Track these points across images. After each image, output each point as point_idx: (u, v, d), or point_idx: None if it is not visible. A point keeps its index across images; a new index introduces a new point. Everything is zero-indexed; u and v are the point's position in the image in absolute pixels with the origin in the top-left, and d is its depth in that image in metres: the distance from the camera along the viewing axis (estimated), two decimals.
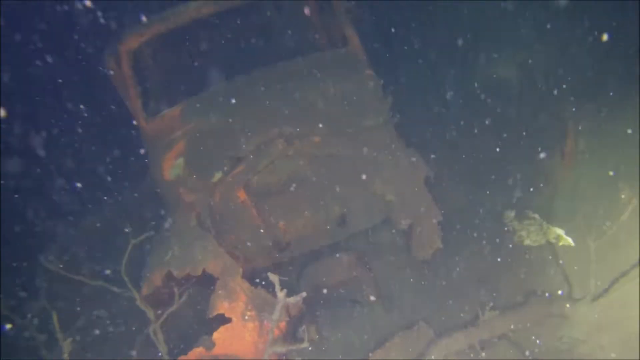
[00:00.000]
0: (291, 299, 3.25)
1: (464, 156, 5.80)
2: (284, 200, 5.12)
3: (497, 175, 5.61)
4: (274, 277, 3.24)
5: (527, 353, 4.01)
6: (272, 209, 5.11)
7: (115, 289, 4.27)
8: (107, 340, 4.93)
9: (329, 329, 4.88)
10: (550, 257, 4.76)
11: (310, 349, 3.59)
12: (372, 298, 5.08)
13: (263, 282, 4.85)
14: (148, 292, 4.47)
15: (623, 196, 4.00)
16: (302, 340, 3.56)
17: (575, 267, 4.56)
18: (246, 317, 4.03)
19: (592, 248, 4.13)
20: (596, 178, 4.92)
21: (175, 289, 4.05)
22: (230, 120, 5.10)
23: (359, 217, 5.13)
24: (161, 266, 4.53)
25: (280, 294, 3.26)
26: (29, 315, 4.42)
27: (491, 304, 4.25)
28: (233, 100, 5.23)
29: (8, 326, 3.63)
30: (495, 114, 5.98)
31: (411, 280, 5.02)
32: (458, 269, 4.88)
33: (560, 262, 4.69)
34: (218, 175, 5.02)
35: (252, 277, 4.96)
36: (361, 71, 5.48)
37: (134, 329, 4.84)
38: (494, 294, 4.54)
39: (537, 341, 4.09)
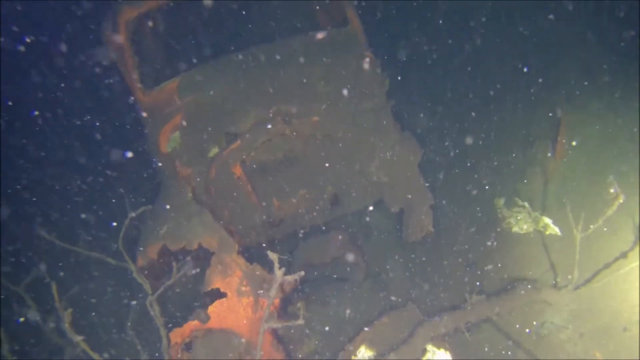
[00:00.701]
0: (289, 277, 3.34)
1: (455, 142, 5.87)
2: (279, 178, 5.17)
3: (489, 161, 5.70)
4: (272, 255, 3.32)
5: (509, 336, 4.16)
6: (267, 185, 5.16)
7: (112, 261, 4.30)
8: (100, 311, 4.99)
9: (318, 306, 4.99)
10: (537, 245, 4.88)
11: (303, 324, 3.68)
12: (362, 277, 5.20)
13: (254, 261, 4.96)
14: (143, 264, 4.52)
15: (612, 191, 4.12)
16: (295, 317, 3.65)
17: (561, 256, 4.70)
18: (241, 292, 4.11)
19: (578, 239, 4.25)
20: (586, 170, 5.04)
21: (174, 263, 4.10)
22: (229, 95, 5.11)
23: (352, 198, 5.21)
24: (157, 239, 4.58)
25: (279, 272, 3.34)
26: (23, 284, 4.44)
27: (478, 287, 4.39)
28: (232, 76, 5.23)
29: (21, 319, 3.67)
30: (489, 101, 6.05)
31: (401, 261, 5.13)
32: (447, 253, 4.99)
33: (547, 250, 4.81)
34: (214, 150, 5.05)
35: (245, 253, 5.05)
36: (360, 52, 5.49)
37: (126, 301, 4.91)
38: (482, 279, 4.67)
39: (518, 326, 4.24)
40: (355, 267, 5.24)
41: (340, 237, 5.30)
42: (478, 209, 5.32)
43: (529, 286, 4.42)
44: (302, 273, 3.29)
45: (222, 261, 4.23)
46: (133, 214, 4.26)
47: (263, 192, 5.15)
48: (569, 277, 4.39)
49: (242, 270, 4.17)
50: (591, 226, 4.26)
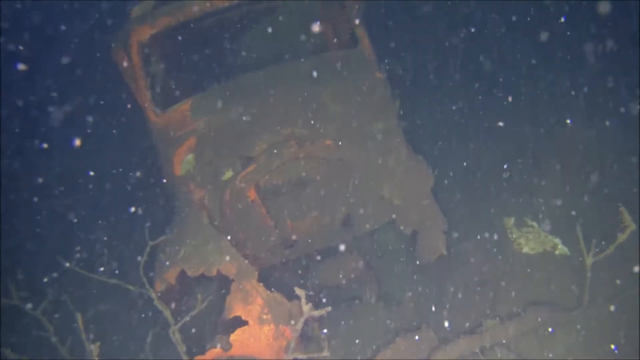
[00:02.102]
0: (316, 313, 3.40)
1: (464, 163, 5.96)
2: (292, 200, 5.23)
3: (498, 182, 5.79)
4: (300, 292, 3.38)
5: None
6: (281, 208, 5.22)
7: (131, 287, 4.35)
8: (118, 333, 5.03)
9: (331, 327, 5.05)
10: (548, 265, 4.97)
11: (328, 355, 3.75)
12: (374, 298, 5.28)
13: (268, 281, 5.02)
14: (161, 289, 4.57)
15: (624, 220, 4.21)
16: (321, 347, 3.72)
17: (572, 278, 4.79)
18: (262, 320, 4.17)
19: (589, 264, 4.34)
20: (597, 196, 5.14)
21: (199, 296, 4.15)
22: (242, 118, 5.15)
23: (364, 219, 5.28)
24: (175, 264, 4.63)
25: (306, 308, 3.40)
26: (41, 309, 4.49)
27: (492, 311, 4.47)
28: (244, 98, 5.27)
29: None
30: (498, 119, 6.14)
31: (413, 283, 5.20)
32: (459, 274, 5.07)
33: (557, 271, 4.90)
34: (229, 174, 5.10)
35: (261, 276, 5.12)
36: (371, 73, 5.55)
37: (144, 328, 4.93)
38: (495, 301, 4.75)
39: (534, 350, 4.33)
40: (367, 288, 5.31)
41: (353, 258, 5.36)
42: (489, 230, 5.40)
43: (541, 309, 4.50)
44: (329, 309, 3.35)
45: (242, 288, 4.28)
46: (152, 243, 4.28)
47: (276, 214, 5.20)
48: (579, 301, 4.49)
49: (263, 298, 4.23)
50: (603, 250, 4.34)
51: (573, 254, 5.03)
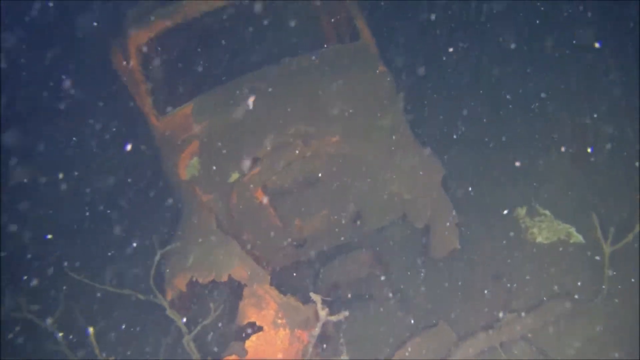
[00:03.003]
0: (332, 318, 3.33)
1: (474, 151, 5.87)
2: (300, 199, 5.14)
3: (510, 170, 5.70)
4: (316, 297, 3.31)
5: (545, 353, 4.17)
6: (289, 207, 5.13)
7: (142, 297, 4.28)
8: (129, 345, 4.97)
9: (347, 326, 4.99)
10: (564, 255, 4.89)
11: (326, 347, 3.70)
12: (389, 295, 5.20)
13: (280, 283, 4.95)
14: (172, 297, 4.50)
15: None
16: (339, 351, 3.65)
17: (589, 266, 4.71)
18: (277, 325, 4.10)
19: (607, 254, 4.26)
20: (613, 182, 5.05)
21: (212, 305, 4.08)
22: (245, 118, 5.07)
23: (375, 216, 5.19)
24: (184, 271, 4.55)
25: (322, 313, 3.33)
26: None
27: (509, 304, 4.40)
28: (247, 97, 5.19)
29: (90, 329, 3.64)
30: (508, 109, 6.05)
31: (427, 278, 5.13)
32: (474, 267, 4.99)
33: (574, 260, 4.82)
34: (235, 176, 5.02)
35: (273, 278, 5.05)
36: (374, 67, 5.45)
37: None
38: (511, 294, 4.68)
39: (553, 341, 4.26)
40: (381, 285, 5.24)
41: (365, 255, 5.29)
42: (502, 220, 5.32)
43: (559, 300, 4.42)
44: (347, 313, 3.28)
45: (255, 293, 4.21)
46: (161, 251, 4.21)
47: (285, 213, 5.12)
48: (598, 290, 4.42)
49: (277, 302, 4.16)
50: (622, 239, 4.25)
51: (588, 242, 4.95)
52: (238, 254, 4.47)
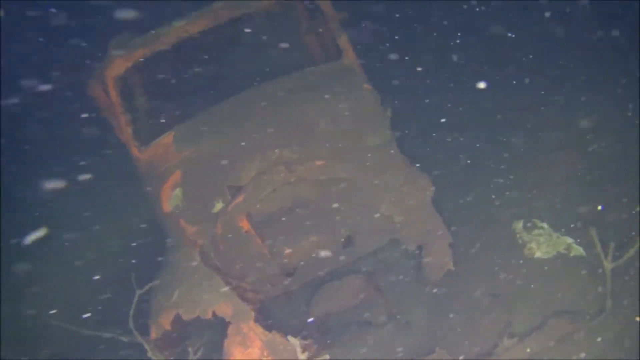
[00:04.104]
0: None
1: (464, 164, 5.69)
2: (288, 226, 4.99)
3: (502, 182, 5.52)
4: (293, 340, 3.14)
5: None
6: (277, 235, 4.98)
7: (124, 339, 4.12)
8: None
9: (342, 354, 4.80)
10: (564, 270, 4.69)
11: None
12: (384, 319, 5.01)
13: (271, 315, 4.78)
14: (157, 336, 4.35)
15: None
16: None
17: (590, 281, 4.51)
18: None
19: (609, 270, 4.06)
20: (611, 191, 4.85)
21: (190, 349, 3.92)
22: (226, 145, 4.94)
23: (366, 239, 5.03)
24: (169, 308, 4.41)
25: (302, 357, 3.16)
26: None
27: (508, 329, 4.20)
28: (228, 123, 5.07)
29: None
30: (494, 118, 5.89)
31: (423, 301, 4.94)
32: (472, 288, 4.79)
33: (574, 275, 4.62)
34: (219, 206, 4.88)
35: (262, 309, 4.88)
36: (359, 85, 5.32)
37: None
38: (510, 314, 4.48)
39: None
40: (376, 310, 5.05)
41: (357, 280, 5.11)
42: (498, 235, 5.13)
43: (561, 319, 4.22)
44: (327, 356, 3.10)
45: (240, 331, 4.04)
46: (139, 291, 4.06)
47: (273, 242, 4.97)
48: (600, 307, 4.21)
49: (262, 340, 3.99)
50: (622, 254, 4.06)
51: (589, 255, 4.74)
52: (222, 289, 4.31)
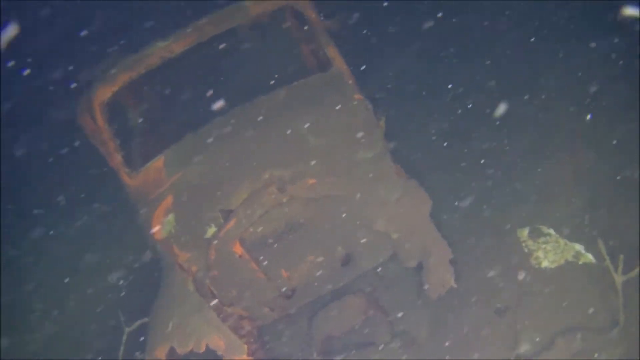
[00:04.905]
0: None
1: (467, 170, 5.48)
2: (283, 248, 4.84)
3: (506, 189, 5.30)
4: None
5: None
6: (272, 258, 4.84)
7: None
8: None
9: None
10: (574, 281, 4.47)
11: None
12: (388, 338, 4.85)
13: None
14: None
15: None
16: None
17: (601, 291, 4.29)
18: None
19: (619, 283, 3.84)
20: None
21: None
22: (216, 167, 4.81)
23: (364, 256, 4.87)
24: (164, 340, 4.31)
25: None
26: None
27: (515, 351, 4.01)
28: (217, 144, 4.93)
29: None
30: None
31: (426, 318, 4.77)
32: (475, 305, 4.61)
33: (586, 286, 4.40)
34: (211, 230, 4.75)
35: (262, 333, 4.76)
36: (349, 96, 5.13)
37: None
38: (517, 330, 4.28)
39: None
40: (379, 329, 4.89)
41: (358, 299, 4.95)
42: (501, 244, 4.93)
43: (572, 335, 4.01)
44: None
45: None
46: (128, 329, 3.96)
47: (268, 265, 4.83)
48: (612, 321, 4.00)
49: None
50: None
51: (599, 262, 4.51)
52: (213, 320, 4.19)
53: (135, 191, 5.20)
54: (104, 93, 5.21)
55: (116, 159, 5.25)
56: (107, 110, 5.31)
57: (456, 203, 5.39)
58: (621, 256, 3.85)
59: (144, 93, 6.01)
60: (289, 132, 4.84)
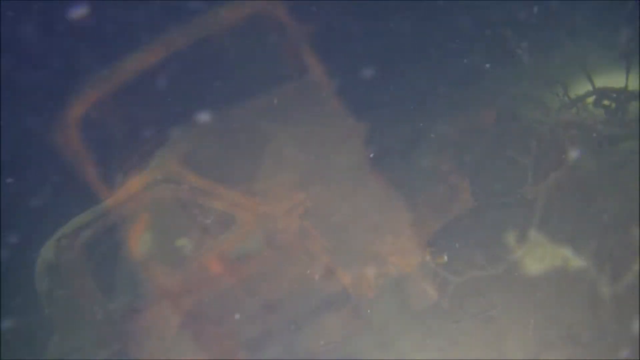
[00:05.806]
0: None
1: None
2: (262, 262, 4.76)
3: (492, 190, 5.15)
4: None
5: None
6: (251, 272, 4.75)
7: None
8: None
9: None
10: (563, 287, 4.33)
11: None
12: (371, 351, 4.75)
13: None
14: None
15: None
16: None
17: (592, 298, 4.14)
18: None
19: (608, 292, 3.70)
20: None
21: None
22: (192, 183, 4.72)
23: (346, 269, 4.75)
24: None
25: None
26: None
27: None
28: (192, 159, 4.85)
29: None
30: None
31: (413, 328, 4.65)
32: (459, 315, 4.48)
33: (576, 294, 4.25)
34: (189, 248, 4.68)
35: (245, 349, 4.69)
36: (327, 102, 5.02)
37: None
38: (504, 344, 4.15)
39: None
40: (362, 342, 4.78)
41: (342, 312, 4.84)
42: (486, 249, 4.79)
43: (560, 348, 3.88)
44: None
45: None
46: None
47: (248, 280, 4.74)
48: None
49: None
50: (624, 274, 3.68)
51: (589, 266, 4.36)
52: (193, 348, 4.13)
53: (114, 210, 5.11)
54: (77, 110, 5.13)
55: (93, 177, 5.17)
56: (82, 126, 5.23)
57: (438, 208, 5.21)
58: (609, 265, 3.69)
59: (119, 108, 5.90)
60: (265, 143, 4.76)
